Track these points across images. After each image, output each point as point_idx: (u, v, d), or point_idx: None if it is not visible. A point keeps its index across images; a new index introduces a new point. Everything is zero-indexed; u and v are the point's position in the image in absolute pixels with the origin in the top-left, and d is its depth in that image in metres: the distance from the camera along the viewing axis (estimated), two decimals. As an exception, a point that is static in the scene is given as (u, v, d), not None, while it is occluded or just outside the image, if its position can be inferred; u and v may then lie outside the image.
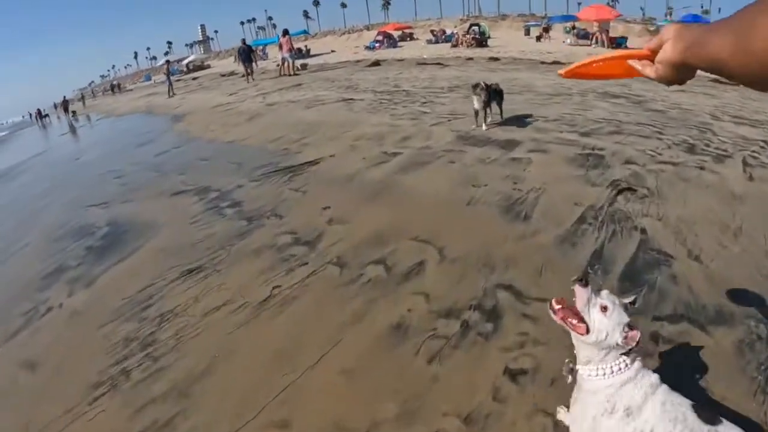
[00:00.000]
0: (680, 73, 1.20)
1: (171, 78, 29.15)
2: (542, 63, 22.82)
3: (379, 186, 6.77)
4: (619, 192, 6.03)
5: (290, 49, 24.41)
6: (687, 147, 7.78)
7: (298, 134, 10.28)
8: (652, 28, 55.11)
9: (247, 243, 5.75)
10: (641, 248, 4.60)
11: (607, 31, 33.98)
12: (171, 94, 26.57)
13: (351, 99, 13.65)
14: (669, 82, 1.24)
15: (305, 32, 60.43)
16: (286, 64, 24.46)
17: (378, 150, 8.34)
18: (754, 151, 7.50)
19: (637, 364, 2.08)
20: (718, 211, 5.32)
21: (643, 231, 4.94)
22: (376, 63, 25.33)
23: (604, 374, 2.06)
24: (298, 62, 28.17)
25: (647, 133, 8.91)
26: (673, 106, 12.10)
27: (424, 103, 12.20)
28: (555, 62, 22.73)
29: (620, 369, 2.06)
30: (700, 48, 1.07)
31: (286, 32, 25.00)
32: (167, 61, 33.92)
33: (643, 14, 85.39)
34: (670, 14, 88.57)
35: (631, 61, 1.34)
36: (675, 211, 5.33)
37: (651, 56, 1.27)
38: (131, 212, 7.67)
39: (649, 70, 1.27)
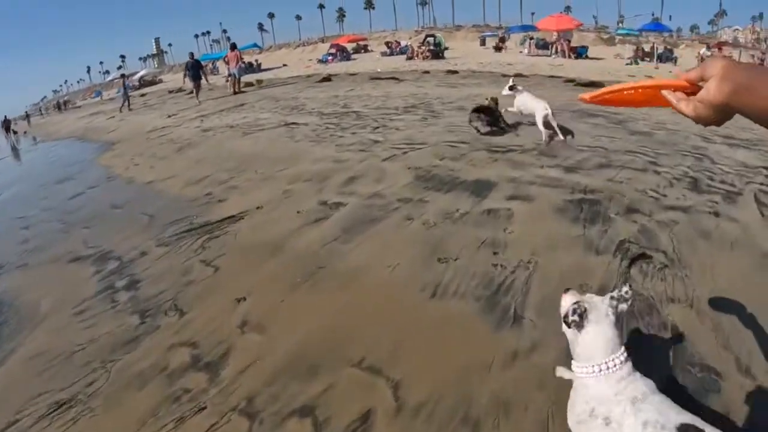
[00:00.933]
0: (721, 116, 1.09)
1: (128, 92, 26.66)
2: (504, 75, 21.40)
3: (313, 262, 5.07)
4: (632, 261, 4.69)
5: (237, 64, 22.42)
6: (690, 183, 6.86)
7: (226, 173, 8.54)
8: (605, 37, 54.90)
9: (133, 359, 4.00)
10: (678, 363, 3.32)
11: (569, 41, 32.98)
12: (128, 109, 24.37)
13: (294, 123, 11.95)
14: (706, 123, 1.13)
15: (256, 45, 58.41)
16: (232, 80, 22.42)
17: (316, 199, 6.70)
18: (762, 184, 6.86)
19: (628, 367, 2.06)
20: (756, 283, 4.24)
21: (675, 329, 3.68)
22: (327, 78, 23.61)
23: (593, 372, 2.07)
24: (254, 78, 26.35)
25: (641, 164, 7.69)
26: (657, 126, 10.75)
27: (376, 128, 10.59)
28: (517, 74, 21.36)
29: (609, 368, 2.05)
30: (754, 95, 0.98)
31: (233, 46, 23.32)
32: (123, 75, 31.52)
33: (596, 23, 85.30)
34: (622, 22, 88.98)
35: (665, 93, 1.22)
36: (706, 289, 4.15)
37: (688, 88, 1.18)
38: (18, 287, 5.88)
39: (685, 106, 1.15)
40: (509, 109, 9.30)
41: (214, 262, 5.38)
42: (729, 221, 5.54)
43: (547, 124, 8.57)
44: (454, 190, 6.58)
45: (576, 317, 2.17)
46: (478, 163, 7.66)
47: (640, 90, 1.30)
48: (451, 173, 7.22)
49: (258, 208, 6.70)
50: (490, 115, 9.13)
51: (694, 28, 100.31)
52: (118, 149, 13.34)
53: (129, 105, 25.02)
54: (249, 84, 24.48)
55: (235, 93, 21.72)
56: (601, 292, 4.00)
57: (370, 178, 7.27)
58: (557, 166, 7.39)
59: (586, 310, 2.14)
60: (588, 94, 1.40)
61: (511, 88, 9.29)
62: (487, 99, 9.48)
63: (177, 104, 22.25)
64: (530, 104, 9.04)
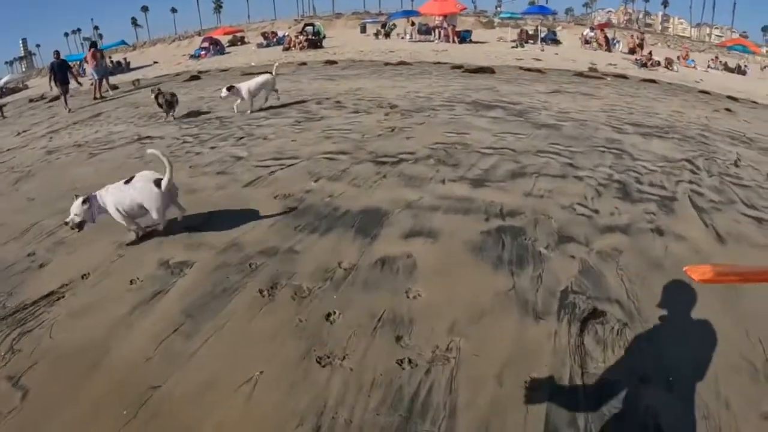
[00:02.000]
0: None
1: None
2: (387, 64, 20.03)
3: (145, 377, 3.35)
4: (583, 325, 3.57)
5: (97, 65, 19.39)
6: (619, 189, 6.22)
7: (57, 217, 6.56)
8: (484, 20, 54.84)
9: None
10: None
11: (454, 26, 31.98)
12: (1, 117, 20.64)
13: (149, 138, 9.97)
14: None
15: (124, 43, 53.99)
16: (94, 83, 19.23)
17: (156, 257, 4.94)
18: (691, 182, 6.65)
19: None
20: (725, 335, 3.50)
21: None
22: (196, 77, 21.32)
23: None
24: (126, 78, 23.46)
25: (558, 168, 6.72)
26: (562, 116, 9.76)
27: (241, 138, 8.86)
28: (401, 63, 20.04)
29: None
30: None
31: (93, 45, 20.37)
32: None
33: (475, 7, 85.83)
34: (500, 6, 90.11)
35: None
36: (677, 354, 3.32)
37: None
38: None
39: None
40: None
41: (22, 379, 3.55)
42: (676, 240, 4.93)
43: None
44: (334, 228, 5.08)
45: None
46: (362, 182, 6.20)
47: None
48: (330, 201, 5.72)
49: (84, 276, 4.86)
50: None
51: (569, 10, 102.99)
52: (-53, 183, 10.76)
53: (2, 114, 21.27)
54: (115, 87, 21.36)
55: (95, 99, 18.82)
56: (553, 380, 3.06)
57: (227, 217, 5.60)
58: (461, 179, 6.12)
59: None
60: (706, 273, 1.14)
61: (229, 89, 10.74)
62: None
63: (33, 116, 18.88)
64: (254, 82, 11.07)
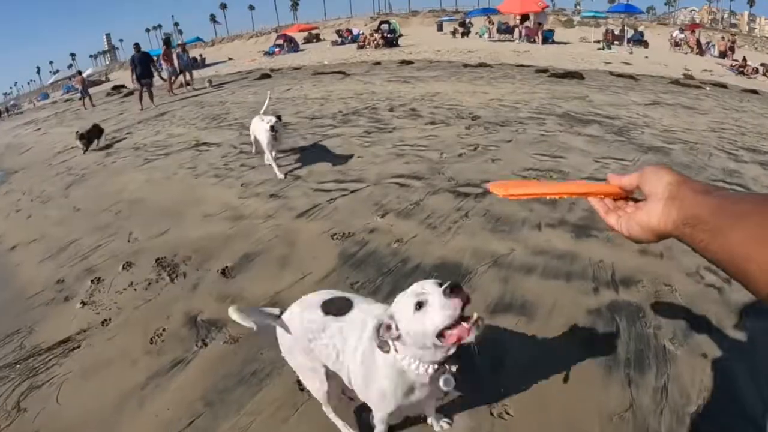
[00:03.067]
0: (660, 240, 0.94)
1: (87, 91, 22.43)
2: (465, 65, 18.89)
3: None
4: None
5: (171, 64, 18.81)
6: None
7: (96, 235, 5.98)
8: (563, 19, 52.84)
9: None
10: None
11: (541, 24, 30.51)
12: (92, 105, 20.79)
13: (206, 144, 9.22)
14: (638, 242, 1.00)
15: (199, 39, 54.46)
16: (169, 80, 18.71)
17: (182, 308, 4.17)
18: None
19: None
20: None
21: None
22: (267, 75, 20.67)
23: None
24: (202, 74, 23.04)
25: None
26: (668, 136, 8.76)
27: (303, 150, 7.93)
28: (481, 64, 18.86)
29: None
30: (714, 234, 0.78)
31: (166, 42, 19.56)
32: (78, 72, 26.93)
33: (554, 4, 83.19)
34: (579, 4, 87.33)
35: (592, 201, 1.12)
36: None
37: (620, 195, 1.08)
38: None
39: (615, 221, 1.04)
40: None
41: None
42: None
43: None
44: (399, 289, 4.04)
45: None
46: (439, 222, 5.16)
47: (564, 195, 1.10)
48: (398, 247, 4.71)
49: (104, 323, 4.10)
50: None
51: (650, 9, 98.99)
52: (14, 182, 10.03)
53: (91, 103, 21.16)
54: (210, 81, 20.48)
55: (169, 92, 18.18)
56: None
57: (271, 259, 4.69)
58: (561, 224, 5.02)
59: None
60: (502, 187, 1.13)
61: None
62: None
63: (105, 111, 18.67)
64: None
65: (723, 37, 32.92)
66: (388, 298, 3.92)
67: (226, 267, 4.59)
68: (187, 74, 19.81)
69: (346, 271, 4.32)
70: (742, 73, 22.85)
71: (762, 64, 24.19)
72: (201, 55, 39.10)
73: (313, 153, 7.73)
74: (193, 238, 5.27)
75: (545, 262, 4.33)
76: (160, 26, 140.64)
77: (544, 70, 17.08)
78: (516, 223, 5.03)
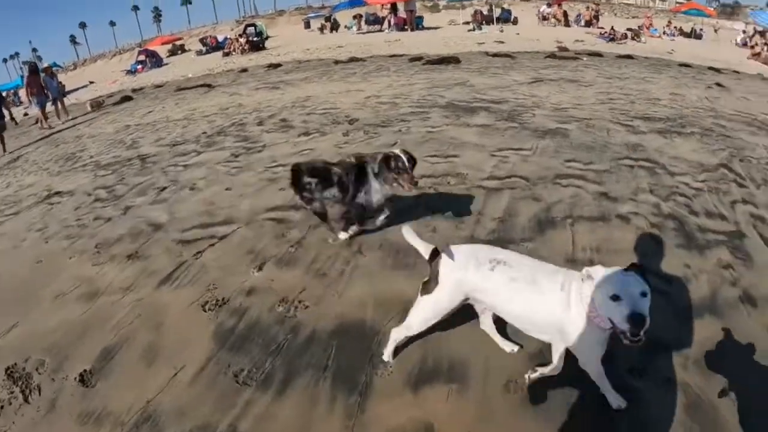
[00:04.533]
0: None
1: None
2: (337, 62, 18.00)
3: None
4: None
5: (37, 93, 16.28)
6: (677, 230, 4.84)
7: None
8: (429, 4, 53.01)
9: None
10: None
11: (412, 12, 30.19)
12: None
13: (58, 194, 7.68)
14: None
15: (55, 65, 50.13)
16: (44, 112, 16.19)
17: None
18: (746, 202, 5.51)
19: None
20: None
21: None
22: (128, 98, 18.81)
23: None
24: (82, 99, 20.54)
25: (591, 204, 5.28)
26: (560, 116, 8.25)
27: (163, 189, 6.82)
28: (352, 59, 18.03)
29: None
30: None
31: (32, 69, 17.18)
32: None
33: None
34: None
35: None
36: None
37: None
38: None
39: None
40: None
41: None
42: None
43: None
44: (297, 373, 3.29)
45: None
46: (328, 266, 4.28)
47: None
48: (284, 312, 3.77)
49: None
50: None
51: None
52: None
53: None
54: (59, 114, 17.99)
55: (42, 129, 15.54)
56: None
57: (136, 355, 3.61)
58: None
59: None
60: None
61: None
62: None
63: None
64: None
65: (587, 7, 33.77)
66: (284, 390, 3.00)
67: (85, 371, 3.47)
68: (59, 102, 17.51)
69: (226, 357, 3.36)
70: (613, 39, 23.78)
71: (629, 29, 25.53)
72: (60, 82, 36.14)
73: (175, 191, 6.59)
74: (45, 331, 4.04)
75: None
76: (17, 54, 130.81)
77: (419, 58, 16.54)
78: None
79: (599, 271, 2.34)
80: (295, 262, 4.32)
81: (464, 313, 3.15)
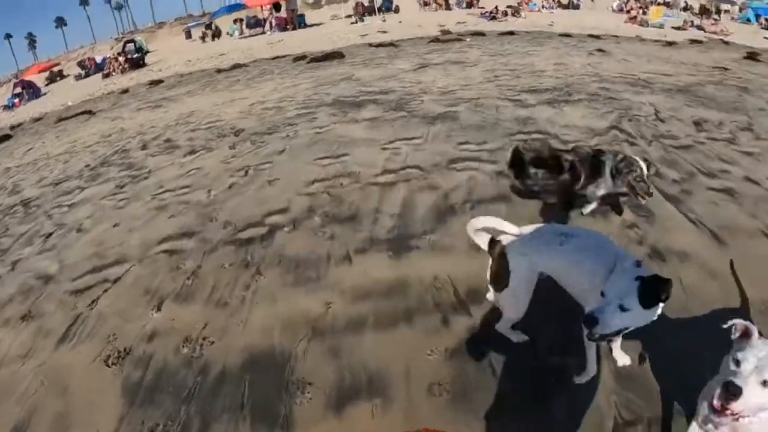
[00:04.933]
0: None
1: None
2: (219, 71, 17.41)
3: None
4: None
5: None
6: None
7: None
8: (310, 1, 52.65)
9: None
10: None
11: (294, 10, 29.96)
12: None
13: None
14: None
15: None
16: None
17: None
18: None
19: None
20: None
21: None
22: (6, 136, 16.95)
23: None
24: None
25: (489, 184, 5.32)
26: (449, 99, 8.27)
27: (49, 235, 6.28)
28: (235, 66, 17.51)
29: None
30: None
31: None
32: None
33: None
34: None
35: None
36: None
37: None
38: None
39: None
40: None
41: None
42: (681, 263, 3.95)
43: None
44: (213, 418, 3.12)
45: None
46: (228, 295, 4.08)
47: None
48: (190, 352, 3.56)
49: None
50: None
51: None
52: None
53: None
54: None
55: None
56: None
57: (45, 422, 3.32)
58: (372, 245, 4.40)
59: None
60: None
61: None
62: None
63: None
64: None
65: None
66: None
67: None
68: None
69: (138, 414, 3.12)
70: (494, 18, 24.24)
71: (509, 6, 25.95)
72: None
73: (62, 235, 6.12)
74: None
75: (374, 307, 3.55)
76: None
77: (302, 57, 16.33)
78: (320, 262, 4.15)
79: None
80: (194, 296, 4.10)
81: (375, 319, 3.02)
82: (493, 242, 2.87)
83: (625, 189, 4.07)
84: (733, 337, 2.00)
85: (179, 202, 5.94)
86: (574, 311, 2.68)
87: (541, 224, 3.02)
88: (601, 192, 4.22)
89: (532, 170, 4.31)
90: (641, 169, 3.96)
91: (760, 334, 1.92)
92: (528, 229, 2.84)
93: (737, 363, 1.86)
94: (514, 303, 2.85)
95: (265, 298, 3.83)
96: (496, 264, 2.79)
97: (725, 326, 2.03)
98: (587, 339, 2.39)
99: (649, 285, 2.21)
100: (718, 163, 5.91)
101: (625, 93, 8.69)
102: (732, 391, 1.78)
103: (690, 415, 2.29)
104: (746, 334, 1.96)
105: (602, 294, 2.24)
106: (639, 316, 2.23)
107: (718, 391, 1.84)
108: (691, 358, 2.72)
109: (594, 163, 4.16)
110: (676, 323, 3.07)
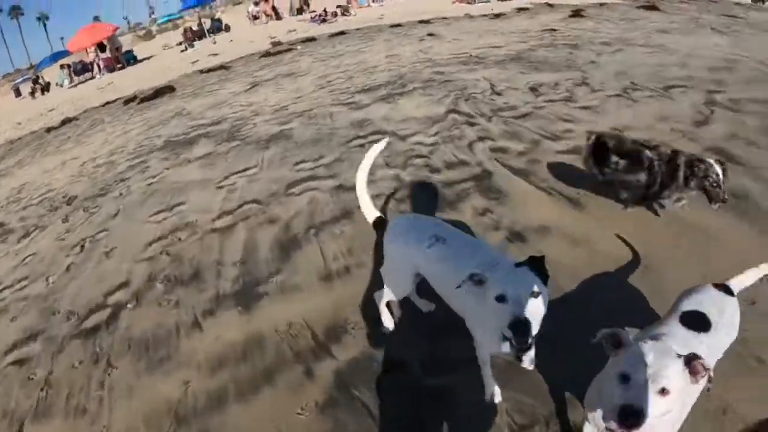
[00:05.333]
0: None
1: None
2: (49, 130, 16.12)
3: None
4: None
5: None
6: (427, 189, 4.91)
7: None
8: (142, 33, 50.92)
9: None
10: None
11: (118, 49, 28.59)
12: None
13: None
14: None
15: None
16: None
17: None
18: (484, 139, 5.94)
19: None
20: None
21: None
22: None
23: None
24: None
25: (331, 204, 5.13)
26: (282, 116, 8.18)
27: None
28: (65, 122, 16.33)
29: None
30: None
31: None
32: None
33: (129, 23, 79.30)
34: (153, 13, 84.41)
35: None
36: None
37: None
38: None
39: None
40: None
41: None
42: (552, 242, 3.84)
43: None
44: None
45: None
46: (82, 397, 3.62)
47: None
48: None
49: None
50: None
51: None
52: None
53: None
54: None
55: None
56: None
57: None
58: (221, 302, 3.98)
59: None
60: None
61: None
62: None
63: None
64: None
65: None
66: None
67: None
68: None
69: None
70: (324, 20, 24.30)
71: (338, 6, 26.19)
72: None
73: None
74: None
75: (232, 375, 3.30)
76: None
77: (133, 98, 15.44)
78: (170, 336, 3.82)
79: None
80: (52, 409, 3.60)
81: (236, 388, 2.80)
82: (379, 222, 2.94)
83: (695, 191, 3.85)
84: (609, 352, 1.85)
85: (19, 299, 5.21)
86: (445, 328, 2.55)
87: (425, 218, 3.00)
88: (674, 197, 3.99)
89: (614, 158, 4.07)
90: (717, 174, 3.70)
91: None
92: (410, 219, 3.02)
93: (625, 378, 1.68)
94: (389, 282, 2.94)
95: (123, 394, 3.45)
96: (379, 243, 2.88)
97: (594, 341, 1.87)
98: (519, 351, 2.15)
99: (540, 263, 2.10)
100: (561, 124, 6.09)
101: (459, 73, 8.81)
102: (631, 423, 1.61)
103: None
104: (619, 344, 1.81)
105: (503, 298, 1.98)
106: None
107: (614, 412, 1.65)
108: (570, 341, 2.62)
109: (670, 168, 3.90)
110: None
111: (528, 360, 2.42)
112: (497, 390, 2.63)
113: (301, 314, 3.53)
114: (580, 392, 2.16)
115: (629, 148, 4.04)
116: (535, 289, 1.98)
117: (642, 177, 3.96)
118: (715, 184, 3.64)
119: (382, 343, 3.14)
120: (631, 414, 1.59)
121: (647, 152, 3.96)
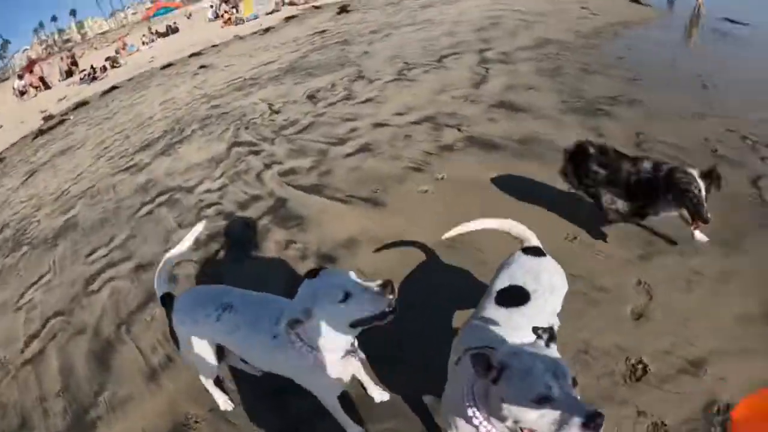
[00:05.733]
0: None
1: None
2: None
3: None
4: None
5: None
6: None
7: None
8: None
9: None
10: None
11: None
12: None
13: None
14: None
15: None
16: None
17: None
18: (270, 165, 5.86)
19: None
20: None
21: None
22: None
23: None
24: None
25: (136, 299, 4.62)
26: (61, 207, 7.38)
27: None
28: None
29: None
30: None
31: None
32: None
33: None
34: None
35: None
36: None
37: None
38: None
39: None
40: None
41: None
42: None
43: None
44: None
45: None
46: None
47: None
48: None
49: None
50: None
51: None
52: None
53: None
54: None
55: None
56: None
57: None
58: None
59: None
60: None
61: None
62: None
63: None
64: None
65: (62, 58, 31.41)
66: None
67: None
68: None
69: None
70: (94, 78, 22.77)
71: (106, 59, 24.96)
72: None
73: None
74: None
75: None
76: None
77: None
78: None
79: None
80: None
81: None
82: (167, 298, 2.71)
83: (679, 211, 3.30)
84: (482, 377, 1.57)
85: None
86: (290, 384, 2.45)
87: (206, 288, 2.76)
88: (659, 216, 3.42)
89: (595, 168, 3.57)
90: (699, 190, 3.11)
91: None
92: (192, 295, 2.69)
93: (546, 399, 1.43)
94: (196, 365, 2.73)
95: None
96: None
97: (456, 363, 1.86)
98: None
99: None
100: (344, 125, 6.12)
101: (235, 101, 8.66)
102: (598, 423, 1.37)
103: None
104: (489, 367, 1.54)
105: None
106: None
107: (577, 426, 1.38)
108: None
109: (649, 185, 3.35)
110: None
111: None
112: (358, 429, 2.59)
113: (140, 427, 3.19)
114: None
115: (613, 157, 3.59)
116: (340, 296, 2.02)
117: (621, 194, 3.53)
118: (697, 202, 3.11)
119: (228, 429, 2.94)
120: (595, 415, 1.37)
121: (628, 166, 3.49)
